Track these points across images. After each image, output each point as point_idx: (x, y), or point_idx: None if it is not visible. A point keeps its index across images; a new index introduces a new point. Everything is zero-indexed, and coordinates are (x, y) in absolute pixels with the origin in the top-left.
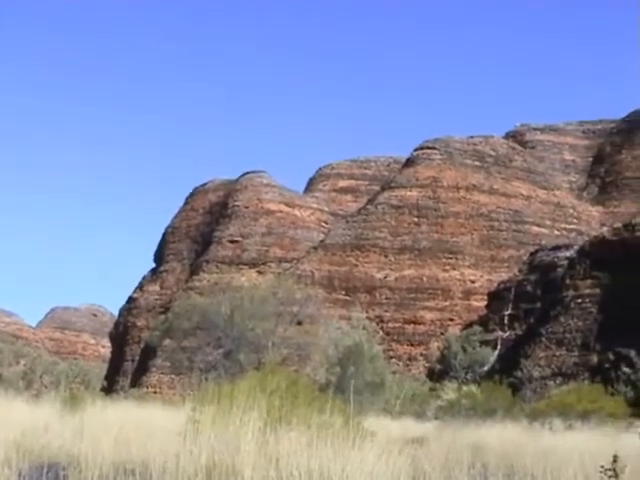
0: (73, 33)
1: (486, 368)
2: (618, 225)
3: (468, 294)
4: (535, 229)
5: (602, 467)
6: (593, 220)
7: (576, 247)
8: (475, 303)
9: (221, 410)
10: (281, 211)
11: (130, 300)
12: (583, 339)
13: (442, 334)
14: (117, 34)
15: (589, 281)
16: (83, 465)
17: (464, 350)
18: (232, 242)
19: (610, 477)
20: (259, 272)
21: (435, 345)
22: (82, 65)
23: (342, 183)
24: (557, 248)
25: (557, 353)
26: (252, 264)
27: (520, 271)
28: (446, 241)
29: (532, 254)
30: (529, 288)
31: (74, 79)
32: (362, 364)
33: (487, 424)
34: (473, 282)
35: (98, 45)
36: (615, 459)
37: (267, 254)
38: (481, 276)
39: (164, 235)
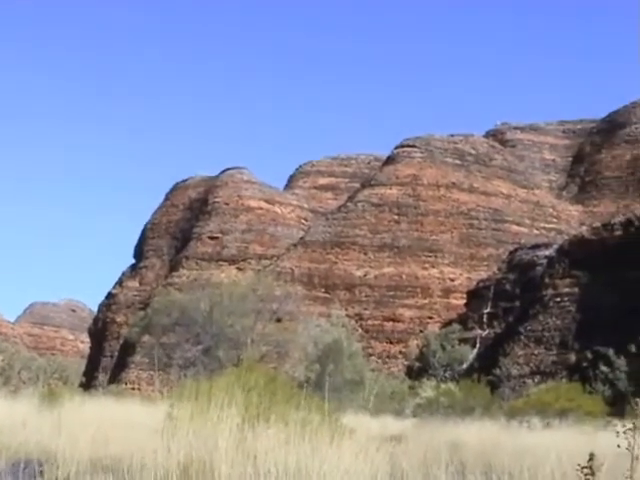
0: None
1: (465, 366)
2: (597, 224)
3: (447, 292)
4: (515, 228)
5: (579, 465)
6: (572, 219)
7: (555, 246)
8: (454, 301)
9: (199, 407)
10: (261, 208)
11: (109, 296)
12: (561, 338)
13: (421, 332)
14: (98, 29)
15: (568, 280)
16: (60, 462)
17: (443, 348)
18: (212, 238)
19: (587, 475)
20: (239, 269)
21: (414, 343)
22: (62, 57)
23: (322, 180)
24: (536, 247)
25: (536, 352)
26: (232, 261)
27: (499, 270)
28: (426, 239)
29: (511, 253)
30: (508, 287)
31: (46, 74)
32: (341, 361)
33: (465, 422)
34: (452, 280)
35: (79, 41)
36: (591, 457)
37: (247, 251)
38: (460, 274)
39: (144, 231)
